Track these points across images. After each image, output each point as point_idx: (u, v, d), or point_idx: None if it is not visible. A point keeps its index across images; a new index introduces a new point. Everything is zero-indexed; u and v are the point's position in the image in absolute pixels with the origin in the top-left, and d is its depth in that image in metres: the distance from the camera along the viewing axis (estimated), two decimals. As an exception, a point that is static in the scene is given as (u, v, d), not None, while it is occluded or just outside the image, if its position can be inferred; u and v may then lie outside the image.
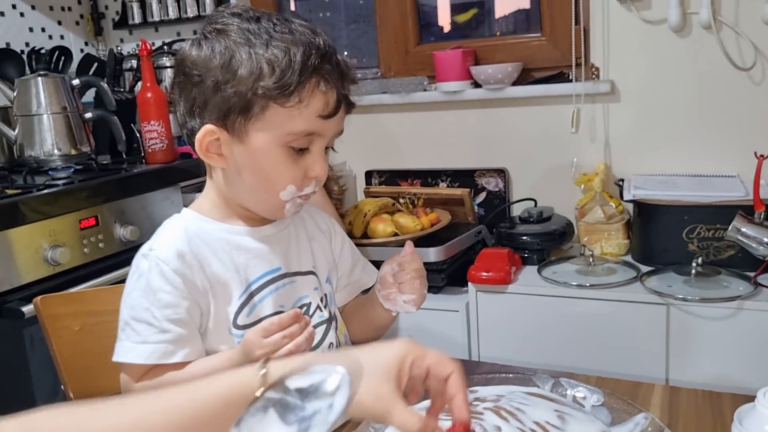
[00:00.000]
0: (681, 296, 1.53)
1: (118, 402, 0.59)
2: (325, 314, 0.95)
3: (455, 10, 2.25)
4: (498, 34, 2.22)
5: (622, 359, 1.60)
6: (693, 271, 1.60)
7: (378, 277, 0.96)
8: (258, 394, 0.55)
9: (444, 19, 2.28)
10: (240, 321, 0.87)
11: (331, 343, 0.94)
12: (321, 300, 0.95)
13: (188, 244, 0.86)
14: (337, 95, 0.82)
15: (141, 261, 0.86)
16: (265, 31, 0.81)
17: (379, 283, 0.95)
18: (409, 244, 0.93)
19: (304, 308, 0.92)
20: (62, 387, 1.08)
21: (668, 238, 1.70)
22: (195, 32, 0.88)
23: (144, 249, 0.87)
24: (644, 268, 1.70)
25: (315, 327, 0.92)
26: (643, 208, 1.74)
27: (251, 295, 0.88)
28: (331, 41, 0.84)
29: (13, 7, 2.30)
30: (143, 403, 0.59)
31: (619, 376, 0.97)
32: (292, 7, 2.46)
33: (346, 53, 2.40)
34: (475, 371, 0.99)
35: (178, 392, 0.60)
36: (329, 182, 1.95)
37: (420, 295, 0.93)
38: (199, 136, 0.83)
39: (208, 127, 0.83)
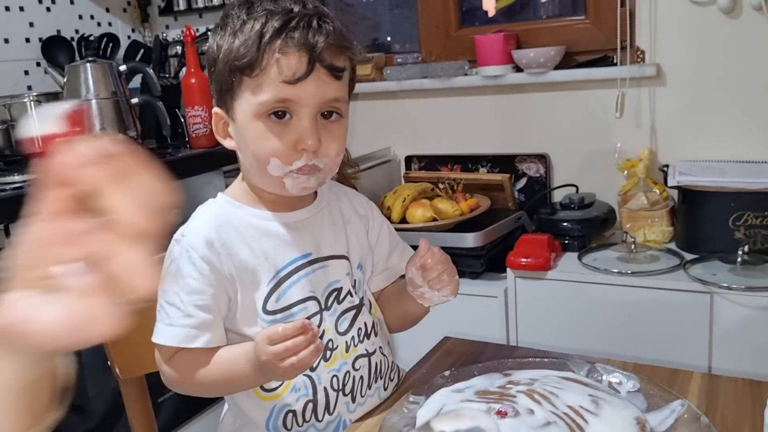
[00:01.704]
0: (726, 285, 1.50)
1: None
2: (356, 300, 0.94)
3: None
4: (544, 17, 2.18)
5: (663, 348, 1.58)
6: (739, 260, 1.56)
7: (407, 280, 0.93)
8: None
9: (488, 4, 2.25)
10: (269, 306, 0.88)
11: (360, 328, 0.94)
12: (353, 285, 0.94)
13: (217, 231, 0.87)
14: (307, 58, 0.80)
15: (174, 245, 0.88)
16: (246, 10, 0.82)
17: (409, 285, 0.93)
18: (424, 241, 0.90)
19: (335, 293, 0.92)
20: (109, 363, 1.12)
21: (714, 226, 1.66)
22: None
23: (177, 234, 0.89)
24: (688, 256, 1.67)
25: (344, 312, 0.93)
26: (688, 194, 1.70)
27: (280, 282, 0.88)
28: (317, 7, 0.83)
29: (64, -5, 2.37)
30: None
31: (661, 364, 0.96)
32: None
33: (389, 38, 2.40)
34: (510, 355, 0.99)
35: None
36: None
37: (454, 284, 0.91)
38: (213, 120, 0.89)
39: (215, 110, 0.88)
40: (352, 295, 0.94)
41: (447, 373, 0.90)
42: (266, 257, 0.88)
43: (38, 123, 0.38)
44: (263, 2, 0.83)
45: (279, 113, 0.82)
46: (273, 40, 0.80)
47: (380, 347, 0.96)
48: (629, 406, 0.77)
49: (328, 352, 0.90)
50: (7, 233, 1.51)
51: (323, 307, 0.91)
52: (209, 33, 2.35)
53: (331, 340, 0.90)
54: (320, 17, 0.82)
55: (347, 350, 0.92)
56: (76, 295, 0.38)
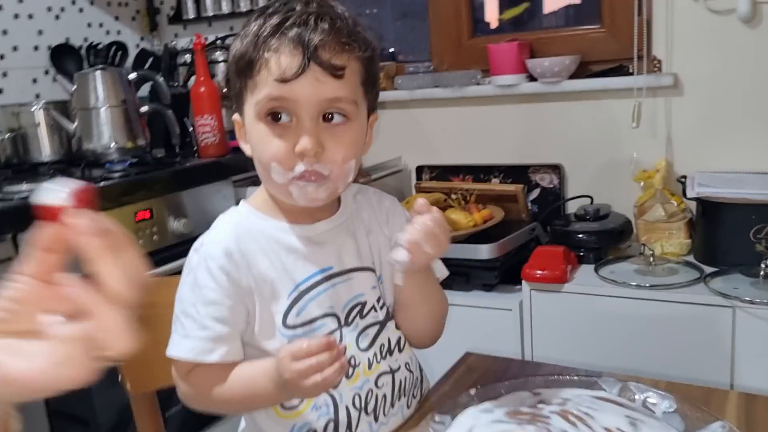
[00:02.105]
0: (748, 299, 1.47)
1: None
2: (380, 315, 0.90)
3: (506, 4, 2.21)
4: (557, 26, 2.16)
5: (683, 363, 1.54)
6: (762, 273, 1.53)
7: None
8: None
9: (491, 15, 2.23)
10: (290, 321, 0.85)
11: (383, 344, 0.90)
12: (378, 300, 0.90)
13: (237, 241, 0.84)
14: (300, 57, 0.76)
15: (193, 255, 0.85)
16: (257, 14, 0.82)
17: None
18: (420, 201, 0.82)
19: (358, 307, 0.88)
20: (119, 377, 1.08)
21: (734, 238, 1.63)
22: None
23: (196, 243, 0.86)
24: (707, 269, 1.63)
25: (366, 327, 0.89)
26: (707, 206, 1.67)
27: (301, 295, 0.85)
28: (322, 6, 0.80)
29: (73, 2, 2.35)
30: None
31: (680, 381, 0.93)
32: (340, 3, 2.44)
33: (392, 49, 2.38)
34: (536, 372, 0.96)
35: None
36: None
37: (417, 247, 0.79)
38: (236, 128, 0.88)
39: (234, 117, 0.87)
40: (376, 310, 0.90)
41: (472, 391, 0.87)
42: (285, 271, 0.85)
43: (50, 193, 0.43)
44: (276, 5, 0.81)
45: (275, 114, 0.79)
46: (269, 39, 0.78)
47: (406, 363, 0.93)
48: (668, 428, 0.74)
49: (350, 369, 0.87)
50: (15, 242, 1.48)
51: (343, 323, 0.87)
52: (218, 42, 2.35)
53: (353, 356, 0.87)
54: (321, 15, 0.79)
55: (370, 367, 0.88)
56: (54, 342, 0.42)
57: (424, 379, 0.99)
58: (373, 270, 0.91)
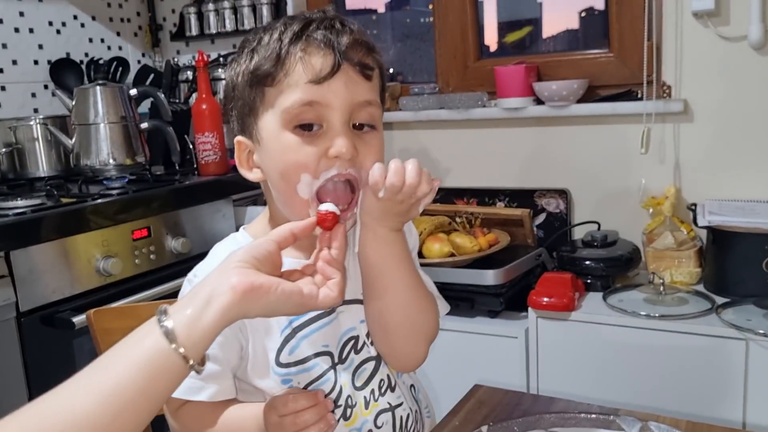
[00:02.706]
0: (762, 331, 1.42)
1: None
2: (373, 350, 0.85)
3: (507, 29, 2.20)
4: (564, 50, 2.15)
5: (694, 397, 1.49)
6: (775, 305, 1.49)
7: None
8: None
9: (491, 38, 2.22)
10: (282, 359, 0.80)
11: (382, 380, 0.86)
12: (367, 335, 0.85)
13: None
14: (332, 57, 0.74)
15: (186, 286, 0.81)
16: (262, 30, 0.78)
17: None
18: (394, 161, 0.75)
19: (352, 341, 0.84)
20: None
21: (746, 268, 1.59)
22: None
23: (190, 274, 0.82)
24: (719, 299, 1.59)
25: (363, 363, 0.84)
26: (718, 235, 1.63)
27: (294, 331, 0.81)
28: (337, 14, 0.78)
29: (75, 17, 2.33)
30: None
31: (691, 417, 0.89)
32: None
33: (392, 69, 2.36)
34: (548, 408, 0.91)
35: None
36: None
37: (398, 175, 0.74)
38: (236, 152, 0.82)
39: (237, 139, 0.81)
40: (368, 346, 0.85)
41: (485, 428, 0.82)
42: None
43: (331, 207, 0.75)
44: (286, 18, 0.79)
45: (307, 125, 0.75)
46: (294, 43, 0.75)
47: (405, 399, 0.88)
48: (696, 475, 0.69)
49: (348, 410, 0.82)
50: (8, 260, 1.44)
51: (337, 360, 0.83)
52: (221, 59, 2.32)
53: (349, 396, 0.83)
54: (342, 20, 0.77)
55: (367, 406, 0.83)
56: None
57: (430, 412, 0.94)
58: (361, 302, 0.85)
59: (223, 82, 2.19)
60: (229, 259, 0.65)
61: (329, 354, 0.82)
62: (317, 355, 0.81)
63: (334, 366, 0.82)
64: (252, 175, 0.82)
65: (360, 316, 0.85)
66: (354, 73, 0.75)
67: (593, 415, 0.84)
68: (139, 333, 0.62)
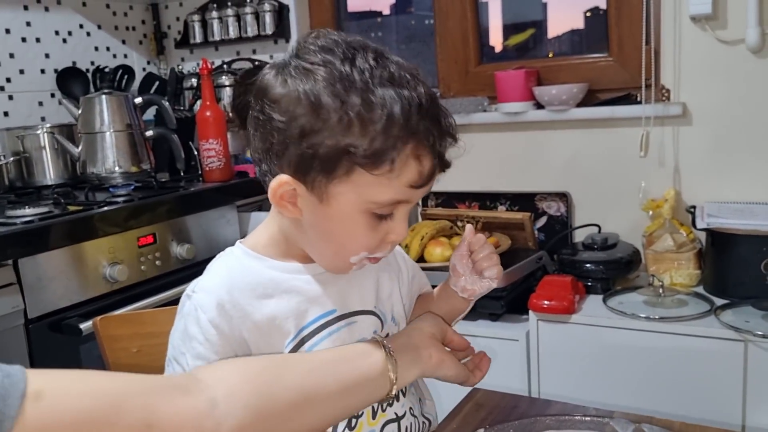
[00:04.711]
0: (761, 333, 1.44)
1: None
2: None
3: (512, 30, 2.21)
4: (550, 54, 2.16)
5: (693, 399, 1.51)
6: (774, 306, 1.50)
7: (450, 271, 0.91)
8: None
9: (496, 40, 2.24)
10: None
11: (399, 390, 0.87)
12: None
13: (230, 291, 0.78)
14: (433, 161, 0.72)
15: (185, 301, 0.80)
16: (360, 77, 0.70)
17: (452, 275, 0.90)
18: (469, 228, 0.89)
19: None
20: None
21: (745, 270, 1.60)
22: (286, 62, 0.74)
23: (188, 289, 0.80)
24: (718, 301, 1.61)
25: None
26: (717, 237, 1.65)
27: (303, 341, 0.80)
28: (429, 85, 0.74)
29: (81, 26, 2.36)
30: None
31: (690, 419, 0.90)
32: (345, 28, 2.45)
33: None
34: (545, 411, 0.93)
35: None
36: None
37: (499, 268, 0.89)
38: (273, 184, 0.75)
39: (285, 178, 0.73)
40: None
41: (481, 431, 0.84)
42: (287, 315, 0.80)
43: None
44: (368, 60, 0.72)
45: (385, 214, 0.75)
46: (411, 139, 0.70)
47: (410, 408, 0.89)
48: (685, 476, 0.71)
49: (353, 420, 0.83)
50: (16, 268, 1.47)
51: None
52: (225, 66, 2.35)
53: None
54: (436, 101, 0.74)
55: (374, 416, 0.84)
56: None
57: (428, 420, 0.96)
58: (375, 314, 0.86)
59: (229, 89, 2.25)
60: (424, 331, 0.84)
61: None
62: None
63: None
64: (289, 212, 0.77)
65: (373, 326, 0.85)
66: (438, 171, 0.75)
67: (588, 418, 0.86)
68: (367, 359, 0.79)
